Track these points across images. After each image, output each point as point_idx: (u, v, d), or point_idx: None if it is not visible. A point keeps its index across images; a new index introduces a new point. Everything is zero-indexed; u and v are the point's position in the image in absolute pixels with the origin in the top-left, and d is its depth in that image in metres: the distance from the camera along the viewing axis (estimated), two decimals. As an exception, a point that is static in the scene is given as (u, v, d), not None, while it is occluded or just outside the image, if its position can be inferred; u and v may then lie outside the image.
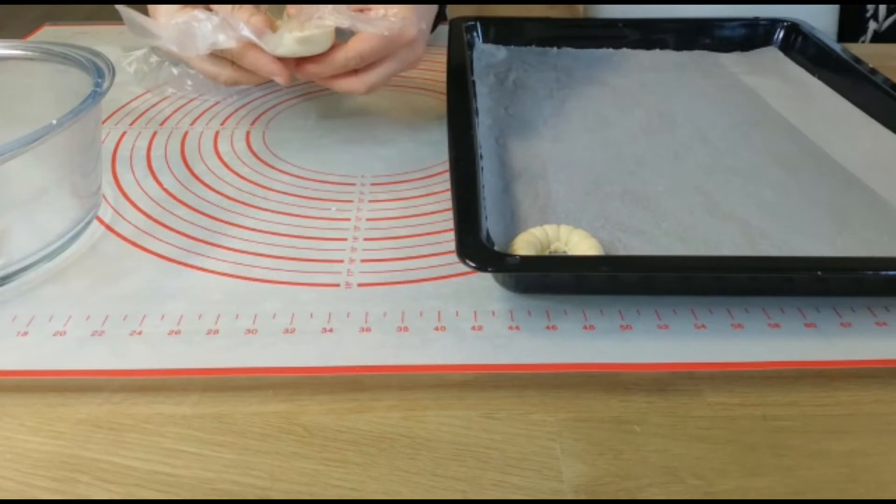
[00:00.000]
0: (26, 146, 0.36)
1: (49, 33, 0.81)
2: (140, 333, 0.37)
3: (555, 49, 0.70)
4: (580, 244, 0.40)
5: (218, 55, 0.49)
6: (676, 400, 0.34)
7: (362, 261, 0.43)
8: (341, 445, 0.32)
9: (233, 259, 0.43)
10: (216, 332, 0.37)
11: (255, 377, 0.35)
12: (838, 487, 0.30)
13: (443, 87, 0.56)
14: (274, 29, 0.49)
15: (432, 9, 0.53)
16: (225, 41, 0.46)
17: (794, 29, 0.69)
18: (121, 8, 0.47)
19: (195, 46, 0.46)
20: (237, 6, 0.48)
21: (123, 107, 0.62)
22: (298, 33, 0.47)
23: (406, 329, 0.38)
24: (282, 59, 0.48)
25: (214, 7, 0.48)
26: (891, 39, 0.84)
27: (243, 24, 0.46)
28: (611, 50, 0.70)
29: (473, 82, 0.56)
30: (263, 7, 0.51)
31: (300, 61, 0.49)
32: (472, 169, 0.43)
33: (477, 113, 0.53)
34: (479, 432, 0.33)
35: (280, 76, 0.49)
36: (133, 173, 0.52)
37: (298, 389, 0.35)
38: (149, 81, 0.65)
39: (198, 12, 0.46)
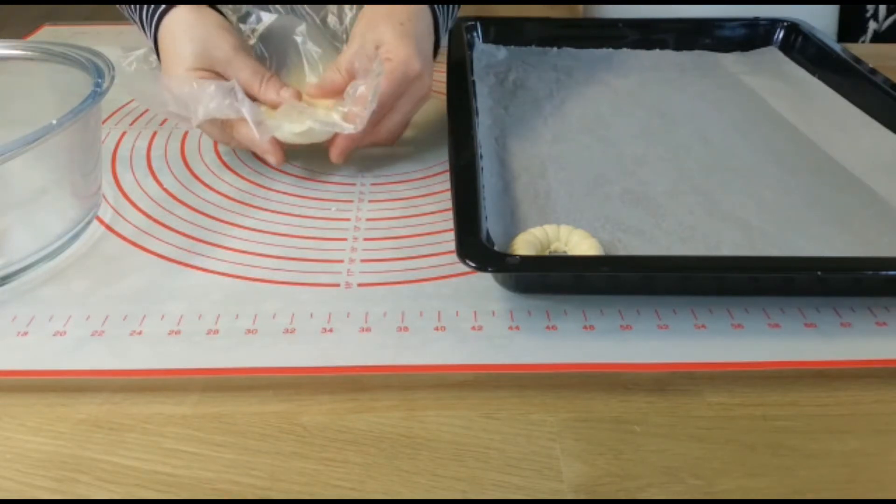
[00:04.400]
0: (26, 146, 0.36)
1: (49, 33, 0.81)
2: (140, 333, 0.37)
3: (555, 49, 0.70)
4: (580, 244, 0.40)
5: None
6: (676, 400, 0.34)
7: (362, 261, 0.43)
8: (341, 445, 0.32)
9: (233, 259, 0.43)
10: (216, 332, 0.37)
11: (255, 377, 0.35)
12: (838, 487, 0.30)
13: (443, 87, 0.56)
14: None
15: (430, 37, 0.52)
16: (223, 110, 0.46)
17: (794, 29, 0.69)
18: (128, 86, 0.48)
19: (196, 113, 0.46)
20: (268, 81, 0.49)
21: (123, 107, 0.62)
22: (299, 127, 0.47)
23: (406, 329, 0.38)
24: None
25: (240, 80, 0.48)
26: (891, 39, 0.84)
27: (247, 102, 0.46)
28: (611, 50, 0.70)
29: (473, 82, 0.56)
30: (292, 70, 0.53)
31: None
32: (472, 169, 0.43)
33: (477, 113, 0.53)
34: (479, 432, 0.33)
35: (273, 157, 0.49)
36: (133, 173, 0.52)
37: (298, 389, 0.35)
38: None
39: (204, 81, 0.47)
